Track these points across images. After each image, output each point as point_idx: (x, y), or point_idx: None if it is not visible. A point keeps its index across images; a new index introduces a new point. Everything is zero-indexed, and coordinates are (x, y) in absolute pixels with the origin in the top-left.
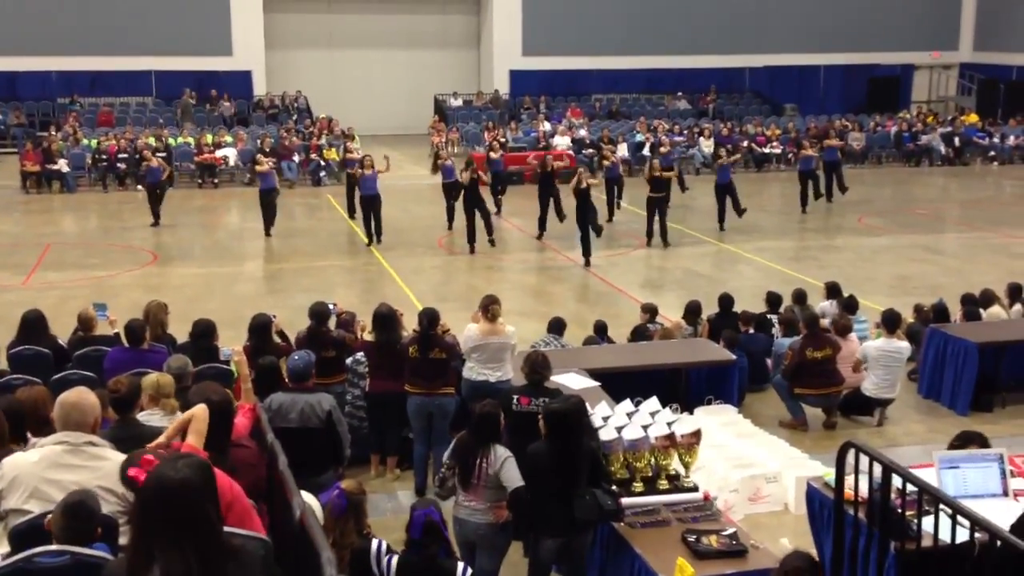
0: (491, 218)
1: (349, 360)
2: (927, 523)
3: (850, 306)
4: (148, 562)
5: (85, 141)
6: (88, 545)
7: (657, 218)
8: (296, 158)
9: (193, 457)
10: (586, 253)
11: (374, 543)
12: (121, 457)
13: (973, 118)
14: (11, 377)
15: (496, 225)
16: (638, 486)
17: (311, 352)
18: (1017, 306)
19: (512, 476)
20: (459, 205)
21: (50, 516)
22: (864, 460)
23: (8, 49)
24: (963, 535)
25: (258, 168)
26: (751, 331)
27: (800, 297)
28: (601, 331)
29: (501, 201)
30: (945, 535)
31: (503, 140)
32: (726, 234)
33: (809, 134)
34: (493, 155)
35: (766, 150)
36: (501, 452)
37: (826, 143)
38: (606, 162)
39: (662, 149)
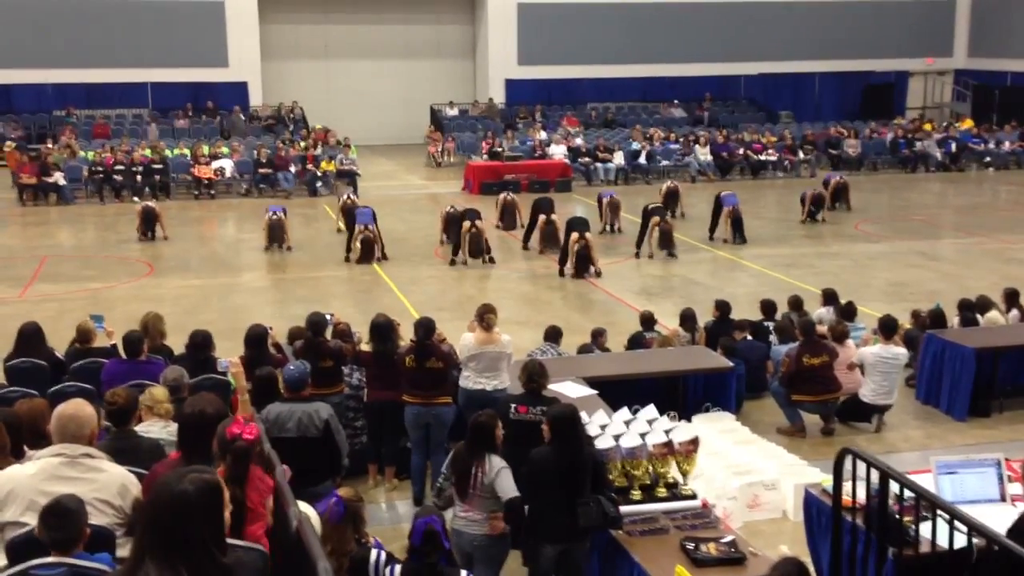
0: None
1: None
2: (925, 529)
3: (848, 312)
4: (143, 574)
5: (82, 153)
6: (78, 550)
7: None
8: (292, 169)
9: (205, 474)
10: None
11: (373, 552)
12: (118, 469)
13: (968, 124)
14: (8, 390)
15: (493, 234)
16: (636, 494)
17: (306, 362)
18: (1014, 311)
19: (507, 486)
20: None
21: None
22: (862, 466)
23: (3, 61)
24: (961, 541)
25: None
26: (747, 338)
27: (796, 304)
28: (597, 336)
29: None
30: (943, 541)
31: (499, 149)
32: (718, 239)
33: (806, 140)
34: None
35: (762, 157)
36: (496, 462)
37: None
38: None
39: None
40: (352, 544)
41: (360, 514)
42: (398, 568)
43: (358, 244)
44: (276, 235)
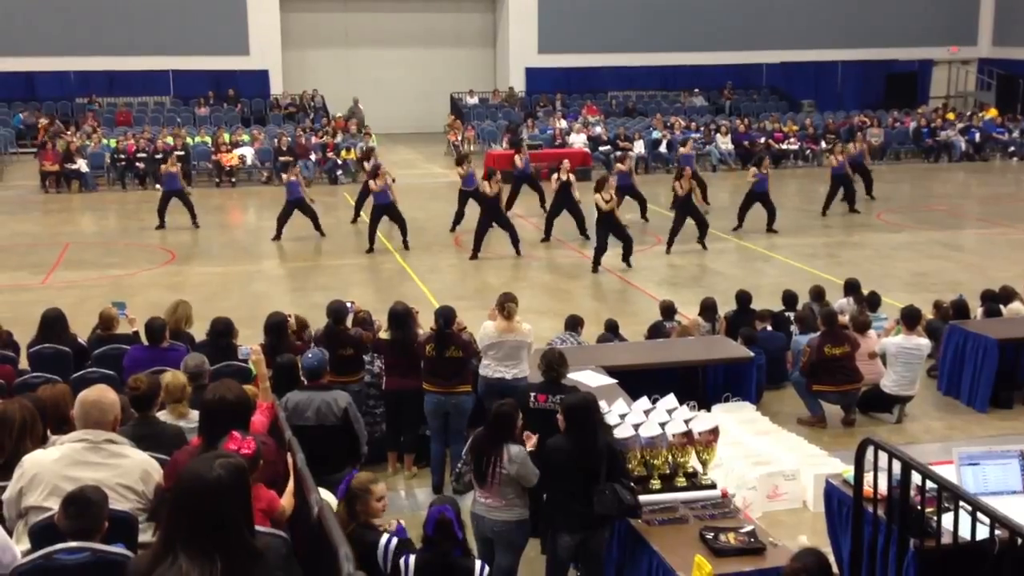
0: (515, 231)
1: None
2: (947, 520)
3: (871, 302)
4: (174, 559)
5: (104, 141)
6: (100, 539)
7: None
8: (313, 157)
9: (232, 458)
10: (625, 257)
11: (384, 538)
12: (141, 455)
13: (992, 113)
14: (31, 375)
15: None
16: (656, 483)
17: (324, 350)
18: None
19: (530, 475)
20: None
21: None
22: (883, 457)
23: (27, 49)
24: (983, 532)
25: (291, 176)
26: (767, 328)
27: (818, 294)
28: (612, 329)
29: (514, 202)
30: (965, 532)
31: (521, 137)
32: (744, 231)
33: (828, 130)
34: (518, 160)
35: (783, 146)
36: (516, 452)
37: (853, 147)
38: (620, 165)
39: (682, 150)
40: (349, 525)
41: (362, 498)
42: (412, 559)
43: None
44: None
